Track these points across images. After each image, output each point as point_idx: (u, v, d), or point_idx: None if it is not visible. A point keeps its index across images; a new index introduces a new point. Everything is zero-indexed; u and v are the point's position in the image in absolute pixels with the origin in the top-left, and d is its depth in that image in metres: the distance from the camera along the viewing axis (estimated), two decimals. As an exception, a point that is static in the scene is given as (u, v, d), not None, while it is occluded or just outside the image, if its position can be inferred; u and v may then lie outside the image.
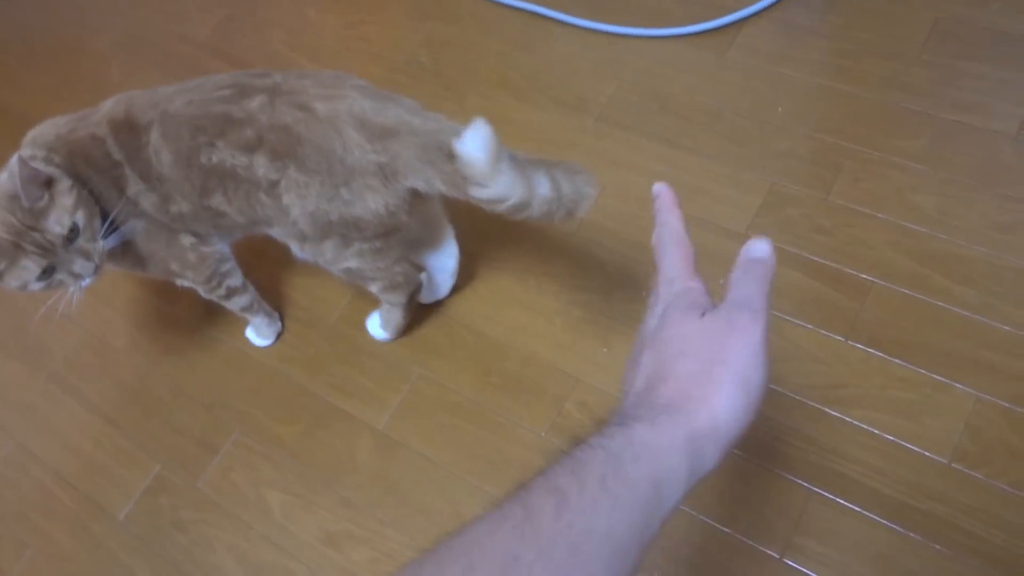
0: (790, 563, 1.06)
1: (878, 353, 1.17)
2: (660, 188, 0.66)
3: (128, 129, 1.07)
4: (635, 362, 0.58)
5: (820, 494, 1.09)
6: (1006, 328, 1.15)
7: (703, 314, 0.56)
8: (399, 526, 1.18)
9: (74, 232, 1.03)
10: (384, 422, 1.27)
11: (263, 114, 1.02)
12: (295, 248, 1.14)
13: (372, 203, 1.02)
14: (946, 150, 1.32)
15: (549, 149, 1.50)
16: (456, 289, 1.36)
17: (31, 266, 1.01)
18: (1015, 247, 1.21)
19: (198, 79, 1.11)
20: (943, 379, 1.13)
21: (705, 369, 0.53)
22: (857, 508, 1.07)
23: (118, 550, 1.26)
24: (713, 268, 1.26)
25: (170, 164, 1.06)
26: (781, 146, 1.38)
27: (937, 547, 1.03)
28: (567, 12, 1.65)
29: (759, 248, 0.58)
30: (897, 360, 1.16)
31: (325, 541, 1.20)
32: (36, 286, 1.04)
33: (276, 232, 1.14)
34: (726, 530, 1.09)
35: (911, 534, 1.04)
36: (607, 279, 1.32)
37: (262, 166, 1.02)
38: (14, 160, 0.99)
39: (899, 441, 1.11)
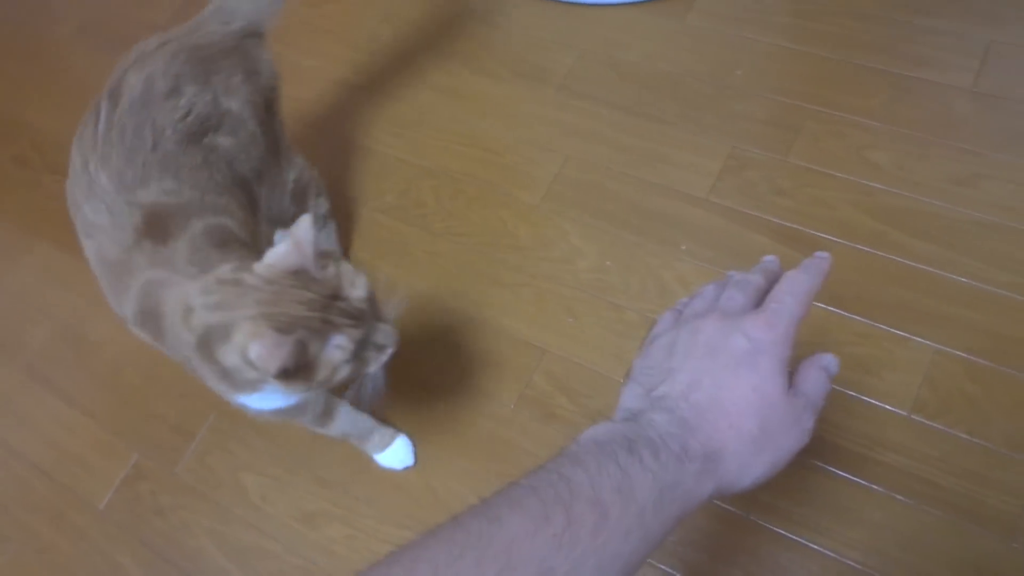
0: (756, 520, 1.08)
1: (838, 311, 1.18)
2: (825, 256, 0.63)
3: None
4: (697, 359, 0.57)
5: (784, 452, 1.11)
6: (963, 280, 1.17)
7: (789, 387, 0.56)
8: (374, 502, 1.20)
9: (369, 299, 0.88)
10: (356, 401, 1.29)
11: None
12: None
13: None
14: (903, 106, 1.33)
15: (511, 121, 1.50)
16: (421, 268, 1.37)
17: (345, 343, 0.83)
18: (971, 200, 1.23)
19: None
20: (902, 333, 1.15)
21: (762, 440, 0.54)
22: (820, 463, 1.09)
23: (100, 539, 1.27)
24: (674, 234, 1.29)
25: None
26: (740, 109, 1.39)
27: (899, 498, 1.05)
28: (526, -18, 1.65)
29: (834, 363, 0.61)
30: (857, 317, 1.17)
31: (302, 520, 1.21)
32: (345, 370, 0.85)
33: None
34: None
35: (873, 486, 1.06)
36: (571, 249, 1.33)
37: None
38: (303, 228, 0.84)
39: (860, 396, 1.12)
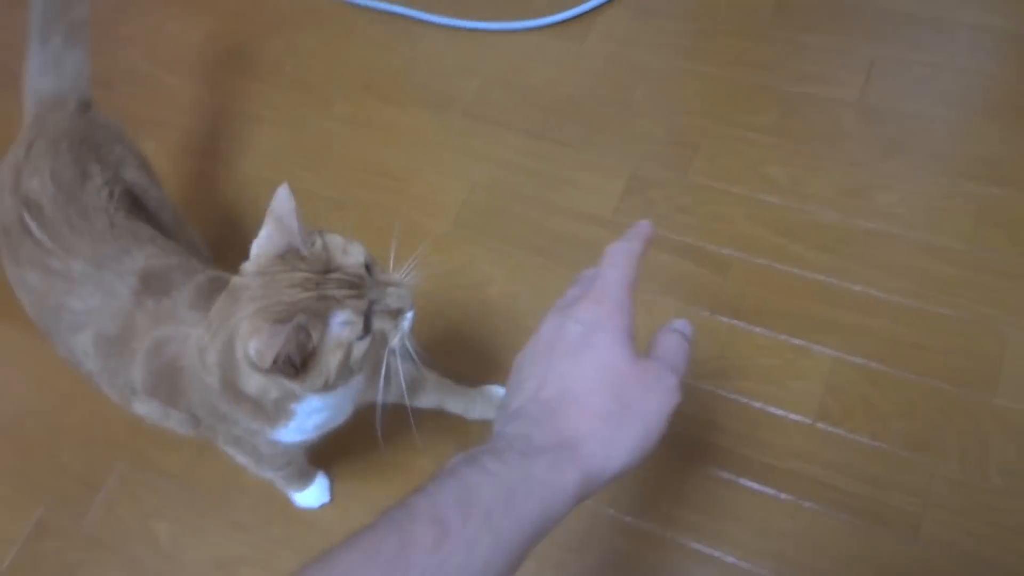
0: (673, 537, 1.09)
1: (741, 324, 1.21)
2: (645, 223, 0.62)
3: None
4: (541, 360, 0.56)
5: (695, 466, 1.13)
6: (858, 288, 1.21)
7: (638, 355, 0.55)
8: (291, 543, 1.18)
9: (368, 266, 0.81)
10: (270, 440, 1.26)
11: None
12: None
13: None
14: (794, 121, 1.37)
15: (417, 149, 1.51)
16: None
17: (351, 317, 0.75)
18: (863, 210, 1.27)
19: None
20: (803, 342, 1.18)
21: (620, 413, 0.52)
22: (730, 476, 1.11)
23: (5, 601, 1.22)
24: (581, 256, 1.30)
25: None
26: (641, 130, 1.42)
27: (807, 504, 1.08)
28: (428, 11, 1.65)
29: (688, 327, 0.61)
30: (759, 329, 1.20)
31: (218, 567, 1.18)
32: (360, 348, 0.77)
33: None
34: (610, 511, 1.12)
35: (782, 495, 1.09)
36: (482, 275, 1.33)
37: None
38: (282, 200, 0.78)
39: (766, 407, 1.15)
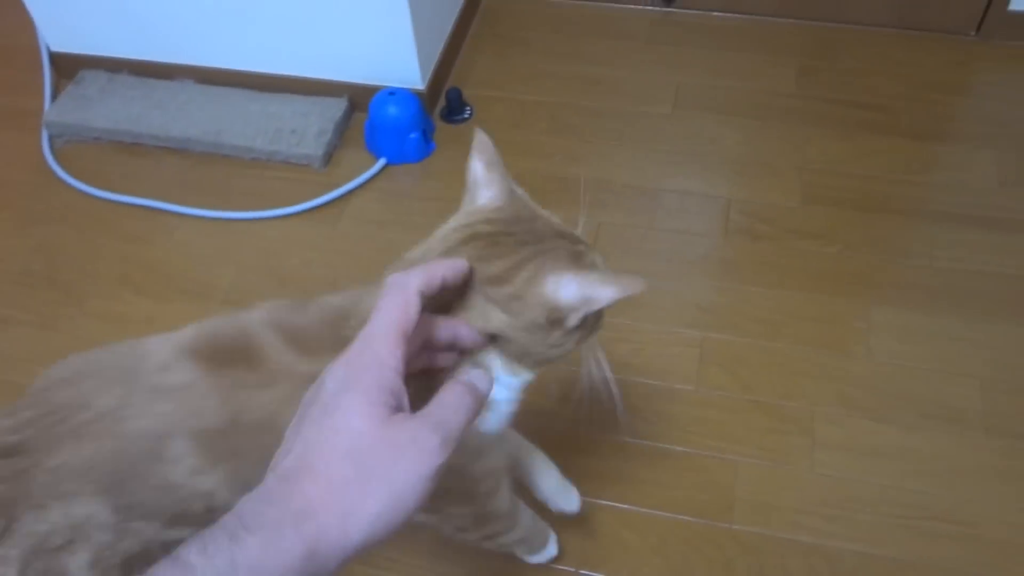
0: None
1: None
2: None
3: None
4: (295, 424, 0.51)
5: None
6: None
7: (392, 412, 0.49)
8: None
9: None
10: None
11: None
12: None
13: None
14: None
15: (175, 341, 1.49)
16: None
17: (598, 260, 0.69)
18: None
19: None
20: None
21: (364, 479, 0.47)
22: None
23: None
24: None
25: None
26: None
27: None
28: (182, 203, 1.68)
29: (482, 378, 0.54)
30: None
31: None
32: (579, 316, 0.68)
33: None
34: None
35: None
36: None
37: None
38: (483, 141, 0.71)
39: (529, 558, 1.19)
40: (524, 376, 0.72)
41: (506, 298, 0.64)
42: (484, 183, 0.72)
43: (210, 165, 1.76)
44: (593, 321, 0.71)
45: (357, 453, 0.47)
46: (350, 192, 1.67)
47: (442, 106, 1.82)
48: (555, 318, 0.66)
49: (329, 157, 1.74)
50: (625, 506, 1.23)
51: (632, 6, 1.99)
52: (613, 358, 0.74)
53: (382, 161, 1.71)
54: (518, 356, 0.69)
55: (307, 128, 1.76)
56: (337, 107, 1.78)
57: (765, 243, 1.55)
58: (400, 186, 1.69)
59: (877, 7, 1.88)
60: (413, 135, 1.66)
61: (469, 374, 0.54)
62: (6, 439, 0.76)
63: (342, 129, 1.78)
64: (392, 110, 1.66)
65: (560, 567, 1.18)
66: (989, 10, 1.83)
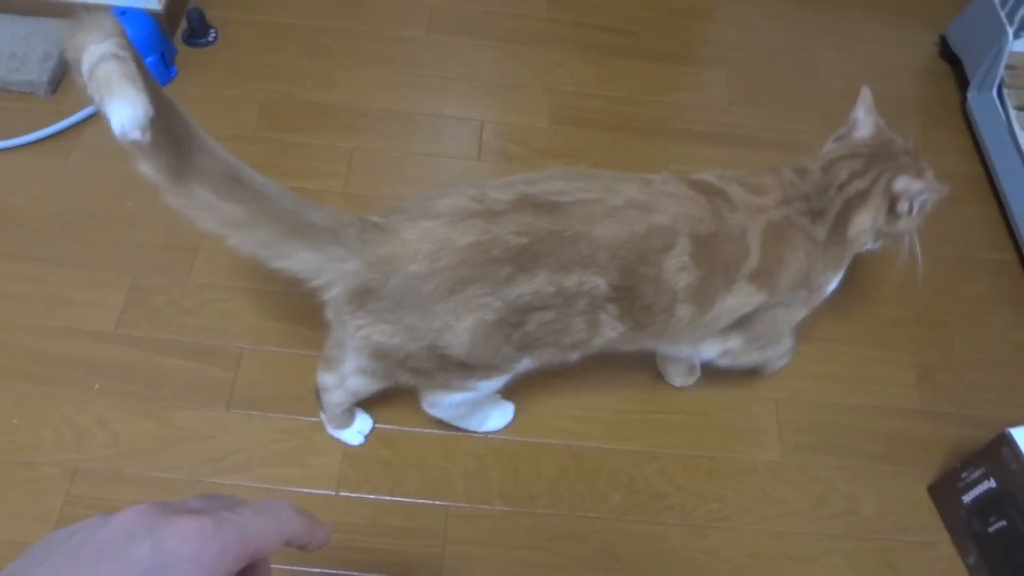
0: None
1: (258, 413, 1.24)
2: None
3: None
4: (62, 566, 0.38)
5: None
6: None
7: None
8: None
9: None
10: None
11: None
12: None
13: None
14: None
15: None
16: None
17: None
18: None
19: None
20: (317, 419, 1.24)
21: None
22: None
23: None
24: (86, 374, 1.24)
25: None
26: (137, 239, 1.40)
27: (342, 572, 1.12)
28: None
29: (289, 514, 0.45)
30: (276, 414, 1.24)
31: None
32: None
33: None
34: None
35: (313, 569, 1.12)
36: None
37: None
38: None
39: (290, 488, 1.18)
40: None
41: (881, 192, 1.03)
42: (862, 124, 1.08)
43: (-86, 95, 1.57)
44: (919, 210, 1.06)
45: None
46: (82, 122, 1.53)
47: (184, 28, 1.71)
48: (901, 209, 1.03)
49: (57, 84, 1.59)
50: (388, 426, 1.25)
51: (385, -74, 1.94)
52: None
53: (117, 87, 1.58)
54: (881, 236, 1.08)
55: (29, 52, 1.59)
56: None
57: (517, 163, 1.58)
58: (141, 116, 1.58)
59: (622, -67, 1.94)
60: (149, 59, 1.55)
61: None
62: (548, 198, 0.92)
63: (70, 53, 1.63)
64: (123, 31, 1.53)
65: (319, 491, 1.19)
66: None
